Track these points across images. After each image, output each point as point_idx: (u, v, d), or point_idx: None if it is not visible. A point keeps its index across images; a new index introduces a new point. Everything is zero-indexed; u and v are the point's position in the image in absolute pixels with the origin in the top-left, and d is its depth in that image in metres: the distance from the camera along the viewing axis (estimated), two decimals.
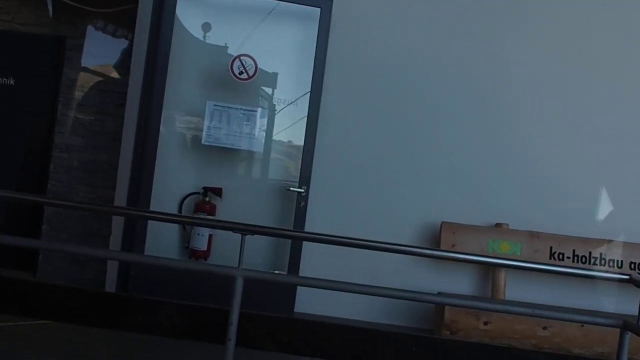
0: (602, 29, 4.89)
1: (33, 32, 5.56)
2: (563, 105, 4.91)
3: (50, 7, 5.50)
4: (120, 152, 4.81)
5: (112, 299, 2.93)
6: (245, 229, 2.77)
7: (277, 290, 4.45)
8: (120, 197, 4.71)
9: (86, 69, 5.57)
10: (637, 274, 4.60)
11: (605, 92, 4.90)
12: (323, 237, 3.02)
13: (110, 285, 4.61)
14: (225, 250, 4.63)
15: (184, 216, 4.61)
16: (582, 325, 4.39)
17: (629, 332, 2.83)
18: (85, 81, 5.54)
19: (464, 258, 3.23)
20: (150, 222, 4.54)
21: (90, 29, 5.55)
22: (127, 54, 5.12)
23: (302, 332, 2.76)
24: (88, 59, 5.58)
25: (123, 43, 5.47)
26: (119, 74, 5.47)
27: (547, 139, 4.90)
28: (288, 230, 4.45)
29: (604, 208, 4.91)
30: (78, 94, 5.49)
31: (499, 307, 3.21)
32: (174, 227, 4.78)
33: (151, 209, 4.50)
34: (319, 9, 4.64)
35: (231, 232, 2.83)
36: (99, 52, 5.59)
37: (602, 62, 4.89)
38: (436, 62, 4.87)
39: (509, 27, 4.90)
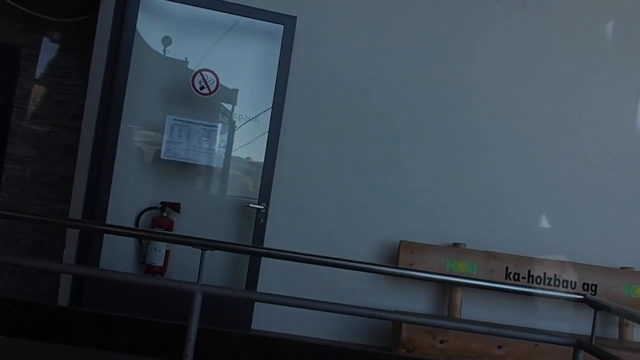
0: (559, 53, 5.05)
1: None
2: (519, 128, 5.03)
3: None
4: (76, 165, 4.70)
5: (66, 314, 2.84)
6: (205, 244, 2.74)
7: (234, 308, 4.39)
8: (76, 211, 4.58)
9: (41, 80, 5.45)
10: (591, 295, 4.72)
11: (560, 116, 5.05)
12: (282, 253, 3.01)
13: (63, 301, 4.46)
14: (182, 266, 4.57)
15: (143, 230, 4.52)
16: (536, 345, 4.46)
17: (582, 351, 2.90)
18: (40, 92, 5.42)
19: (422, 276, 3.28)
20: (105, 236, 4.43)
21: (46, 39, 5.45)
22: (84, 66, 5.03)
23: (261, 348, 2.73)
24: (43, 70, 5.47)
25: (80, 54, 5.38)
26: (76, 85, 5.37)
27: (503, 162, 5.01)
28: (248, 246, 4.42)
29: (559, 230, 5.02)
30: (32, 105, 5.37)
31: (455, 325, 3.25)
32: (130, 242, 4.68)
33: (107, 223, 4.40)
34: (282, 26, 4.67)
35: (188, 248, 2.80)
36: (55, 62, 5.49)
37: (558, 87, 5.05)
38: (397, 83, 4.94)
39: (468, 52, 5.01)
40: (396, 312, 3.33)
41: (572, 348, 2.91)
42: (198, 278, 2.66)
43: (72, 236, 4.58)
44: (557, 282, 4.87)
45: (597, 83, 5.09)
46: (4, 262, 4.57)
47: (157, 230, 4.51)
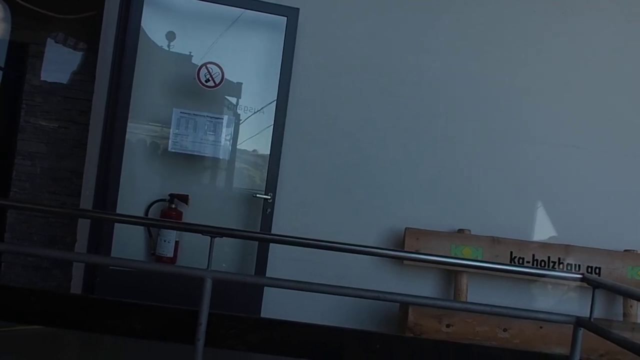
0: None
1: None
2: (520, 115, 5.07)
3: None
4: (86, 159, 4.78)
5: (80, 301, 2.92)
6: (214, 232, 2.81)
7: (244, 295, 4.48)
8: (86, 205, 4.67)
9: (49, 76, 5.54)
10: (589, 274, 4.77)
11: (559, 100, 5.09)
12: (289, 238, 3.08)
13: (76, 292, 4.56)
14: (191, 256, 4.63)
15: (153, 219, 4.61)
16: (541, 327, 4.54)
17: (582, 328, 2.97)
18: (48, 88, 5.51)
19: (428, 259, 3.36)
20: (116, 229, 4.52)
21: (52, 36, 5.53)
22: (91, 61, 5.10)
23: (270, 332, 2.81)
24: (51, 66, 5.55)
25: (87, 50, 5.45)
26: (83, 81, 5.45)
27: (505, 148, 5.06)
28: (256, 233, 4.51)
29: (563, 214, 5.08)
30: (41, 101, 5.46)
31: (457, 305, 3.35)
32: (140, 234, 4.77)
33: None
34: (285, 18, 4.72)
35: (197, 239, 2.87)
36: (62, 59, 5.57)
37: (550, 74, 5.08)
38: (404, 69, 4.97)
39: (474, 41, 5.04)
40: (401, 294, 3.41)
41: (572, 327, 2.97)
42: (208, 264, 2.74)
43: (83, 230, 4.67)
44: (561, 266, 4.92)
45: (594, 69, 5.12)
46: (23, 253, 4.65)
47: (166, 220, 4.59)
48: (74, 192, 5.07)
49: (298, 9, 4.71)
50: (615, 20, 5.13)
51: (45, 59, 5.50)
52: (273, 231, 4.71)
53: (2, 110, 5.52)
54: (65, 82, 5.50)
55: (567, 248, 4.94)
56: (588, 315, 2.93)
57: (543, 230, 5.04)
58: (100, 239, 4.51)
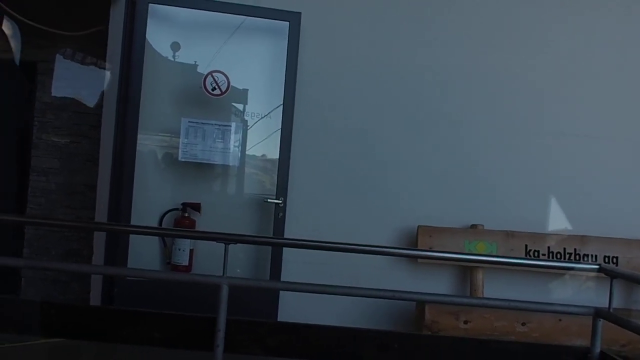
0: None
1: (4, 57, 5.58)
2: (529, 106, 5.05)
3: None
4: (98, 173, 4.83)
5: (99, 313, 2.96)
6: (228, 238, 2.84)
7: (260, 300, 4.50)
8: (101, 218, 4.73)
9: (59, 92, 5.60)
10: (606, 264, 4.74)
11: (572, 91, 5.06)
12: (303, 242, 3.10)
13: (95, 303, 4.61)
14: (206, 264, 4.66)
15: (167, 229, 4.66)
16: (560, 320, 4.52)
17: (601, 319, 2.95)
18: (58, 104, 5.58)
19: (442, 256, 3.35)
20: (131, 240, 4.57)
21: (60, 53, 5.59)
22: (100, 76, 5.16)
23: (288, 336, 2.82)
24: (60, 82, 5.62)
25: (94, 65, 5.51)
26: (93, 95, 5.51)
27: (516, 140, 5.04)
28: (269, 238, 4.53)
29: (577, 204, 5.04)
30: (52, 117, 5.53)
31: (474, 301, 3.34)
32: (155, 244, 4.81)
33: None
34: (288, 22, 4.75)
35: (211, 246, 2.89)
36: (71, 75, 5.63)
37: (565, 64, 5.06)
38: (409, 66, 4.98)
39: (480, 34, 5.04)
40: (418, 292, 3.42)
41: (591, 318, 2.96)
42: (223, 271, 2.76)
43: (99, 242, 4.72)
44: (577, 257, 4.89)
45: (607, 57, 5.09)
46: (42, 268, 4.72)
47: (180, 229, 4.64)
48: (89, 205, 5.13)
49: (300, 13, 4.74)
50: (631, 8, 5.10)
51: (55, 76, 5.57)
52: (286, 235, 4.73)
53: (15, 128, 5.60)
54: (74, 98, 5.56)
55: (583, 239, 4.91)
56: (607, 305, 2.92)
57: (558, 221, 5.01)
58: (116, 251, 4.56)
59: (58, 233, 5.38)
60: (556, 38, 5.08)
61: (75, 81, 5.63)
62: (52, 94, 5.55)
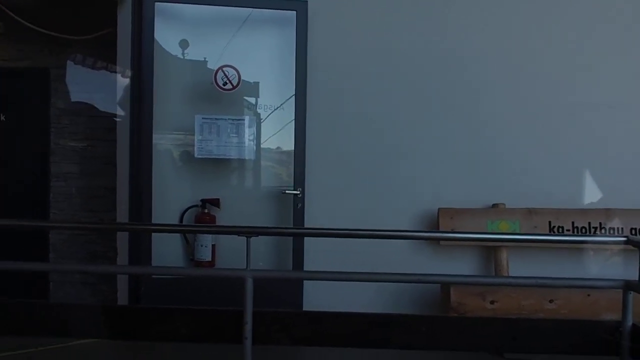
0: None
1: (17, 66, 5.64)
2: (550, 79, 4.98)
3: None
4: (117, 175, 4.87)
5: (127, 312, 2.99)
6: (249, 232, 2.84)
7: (284, 291, 4.51)
8: (122, 219, 4.77)
9: (73, 97, 5.65)
10: (633, 236, 4.68)
11: (593, 61, 4.97)
12: (324, 231, 3.09)
13: (123, 303, 4.66)
14: (229, 259, 4.69)
15: (188, 225, 4.69)
16: (589, 295, 4.47)
17: (632, 292, 2.90)
18: (73, 109, 5.62)
19: (467, 237, 3.31)
20: (154, 239, 4.60)
21: (71, 58, 5.63)
22: (112, 78, 5.18)
23: (315, 325, 2.82)
24: (73, 87, 5.66)
25: (105, 68, 5.54)
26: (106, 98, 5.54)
27: (534, 114, 4.97)
28: (290, 228, 4.55)
29: (600, 177, 4.97)
30: (68, 123, 5.58)
31: (501, 280, 3.30)
32: (178, 242, 4.84)
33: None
34: (295, 12, 4.72)
35: (233, 240, 2.89)
36: (83, 79, 5.67)
37: (587, 36, 4.97)
38: (421, 51, 4.94)
39: (487, 19, 4.98)
40: (443, 275, 3.40)
41: (621, 291, 2.91)
42: (247, 264, 2.77)
43: (122, 243, 4.77)
44: (602, 231, 4.82)
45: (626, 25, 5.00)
46: (69, 271, 4.79)
47: (201, 225, 4.66)
48: (110, 207, 5.18)
49: (306, 1, 4.72)
50: None
51: (67, 81, 5.61)
52: (306, 223, 4.73)
53: (33, 136, 5.66)
54: (88, 102, 5.60)
55: (608, 212, 4.83)
56: (637, 278, 2.87)
57: (580, 196, 4.94)
58: (140, 250, 4.60)
59: (82, 236, 5.44)
60: (573, 11, 4.99)
61: (88, 86, 5.66)
62: (66, 101, 5.59)
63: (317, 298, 4.58)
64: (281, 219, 4.88)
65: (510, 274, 4.77)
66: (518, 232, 4.74)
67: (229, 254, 4.70)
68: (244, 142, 4.85)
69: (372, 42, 4.93)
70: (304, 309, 4.66)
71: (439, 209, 4.81)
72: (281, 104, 4.91)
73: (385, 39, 4.94)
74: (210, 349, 2.82)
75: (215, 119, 4.78)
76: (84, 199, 5.52)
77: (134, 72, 4.70)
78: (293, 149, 4.80)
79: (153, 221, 4.60)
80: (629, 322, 2.82)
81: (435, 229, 4.80)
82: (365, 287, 4.59)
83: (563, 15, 4.99)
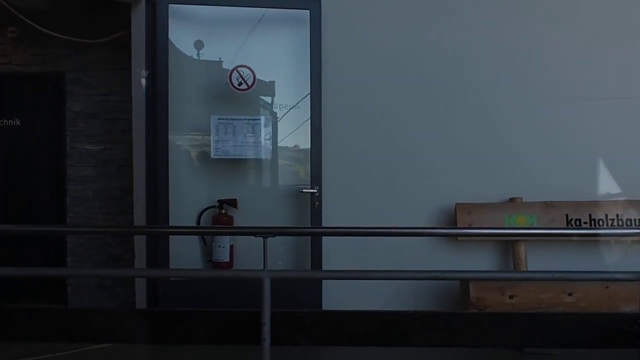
0: None
1: (32, 71, 5.69)
2: (565, 72, 4.93)
3: None
4: (134, 177, 4.89)
5: (146, 315, 3.01)
6: (266, 232, 2.85)
7: (303, 291, 4.51)
8: (139, 221, 4.78)
9: (87, 101, 5.68)
10: None
11: (608, 53, 4.92)
12: (344, 229, 3.09)
13: (141, 306, 4.69)
14: (247, 259, 4.71)
15: (206, 227, 4.70)
16: (607, 287, 4.43)
17: None
18: (88, 112, 5.66)
19: (485, 232, 3.29)
20: (171, 241, 4.62)
21: (86, 61, 5.66)
22: (126, 81, 5.20)
23: (334, 324, 2.82)
24: (88, 91, 5.70)
25: (120, 70, 5.56)
26: (120, 101, 5.57)
27: (550, 107, 4.93)
28: (307, 228, 4.54)
29: (616, 169, 4.92)
30: (83, 126, 5.62)
31: (517, 275, 3.29)
32: (195, 244, 4.86)
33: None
34: (308, 10, 4.72)
35: (250, 241, 2.90)
36: (98, 82, 5.70)
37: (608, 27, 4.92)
38: (432, 47, 4.91)
39: (497, 12, 4.93)
40: (462, 271, 3.38)
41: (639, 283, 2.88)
42: (264, 265, 2.77)
43: (140, 246, 4.79)
44: (620, 222, 4.78)
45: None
46: (87, 275, 4.83)
47: (219, 226, 4.67)
48: (126, 210, 5.20)
49: (319, 0, 4.70)
50: None
51: (82, 84, 5.65)
52: (323, 221, 4.73)
53: (48, 140, 5.71)
54: (103, 105, 5.64)
55: (625, 204, 4.79)
56: None
57: (597, 188, 4.90)
58: (158, 253, 4.62)
59: (99, 239, 5.47)
60: (581, 3, 4.93)
61: (103, 89, 5.70)
62: (81, 104, 5.63)
63: (336, 297, 4.57)
64: (299, 217, 4.88)
65: (528, 268, 4.74)
66: (535, 225, 4.71)
67: (247, 254, 4.71)
68: (260, 142, 4.86)
69: (386, 39, 4.91)
70: (323, 308, 4.66)
71: (456, 204, 4.79)
72: (297, 103, 4.91)
73: (399, 35, 4.92)
74: (228, 351, 2.83)
75: (231, 119, 4.79)
76: (101, 201, 5.55)
77: (149, 74, 4.71)
78: (309, 147, 4.80)
79: (170, 223, 4.61)
80: None
81: (452, 224, 4.79)
82: (384, 285, 4.58)
83: (571, 8, 4.93)
